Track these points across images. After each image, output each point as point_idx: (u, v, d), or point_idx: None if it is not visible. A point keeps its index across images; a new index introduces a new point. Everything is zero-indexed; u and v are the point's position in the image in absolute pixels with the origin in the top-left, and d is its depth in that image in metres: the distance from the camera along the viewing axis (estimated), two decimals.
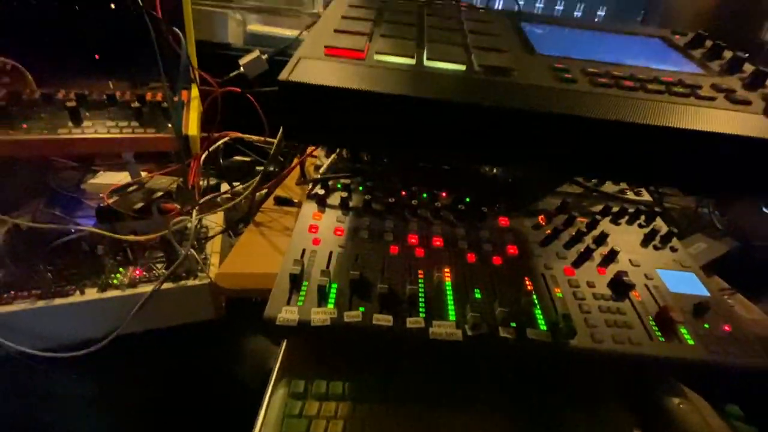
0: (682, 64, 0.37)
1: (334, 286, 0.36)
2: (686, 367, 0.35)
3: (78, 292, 0.46)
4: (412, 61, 0.30)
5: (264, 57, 0.82)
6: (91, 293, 0.46)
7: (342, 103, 0.27)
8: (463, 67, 0.30)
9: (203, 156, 0.68)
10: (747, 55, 0.36)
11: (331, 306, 0.35)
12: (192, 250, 0.50)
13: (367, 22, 0.35)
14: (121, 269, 0.49)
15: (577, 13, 0.59)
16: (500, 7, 0.61)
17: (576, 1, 0.58)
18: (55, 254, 0.49)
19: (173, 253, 0.51)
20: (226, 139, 0.77)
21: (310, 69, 0.28)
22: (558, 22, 0.44)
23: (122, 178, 0.76)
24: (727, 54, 0.39)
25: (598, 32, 0.43)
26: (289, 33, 0.92)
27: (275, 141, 0.54)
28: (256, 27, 0.95)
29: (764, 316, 0.49)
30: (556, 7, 0.58)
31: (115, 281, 0.47)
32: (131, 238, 0.51)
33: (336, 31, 0.33)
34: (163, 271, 0.49)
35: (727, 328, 0.38)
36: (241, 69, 0.82)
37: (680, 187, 0.47)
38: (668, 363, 0.35)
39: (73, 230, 0.53)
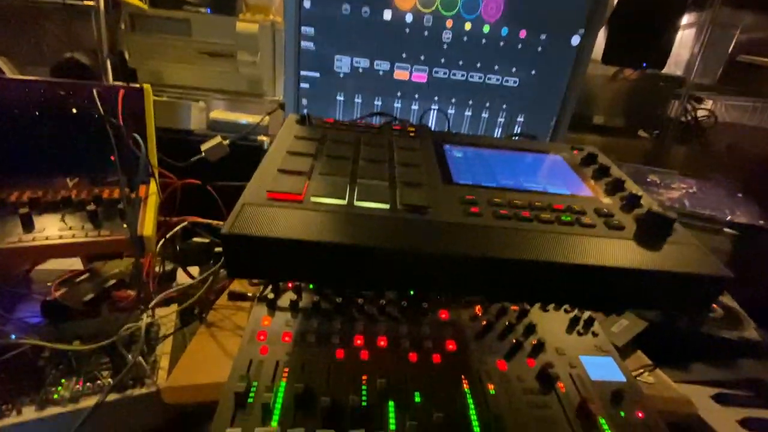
0: (575, 186, 0.45)
1: (279, 400, 0.38)
2: None
3: (15, 412, 0.44)
4: (343, 202, 0.35)
5: (225, 142, 0.87)
6: (29, 412, 0.44)
7: (281, 248, 0.31)
8: (387, 206, 0.35)
9: (160, 243, 0.70)
10: (625, 180, 0.45)
11: (274, 425, 0.36)
12: (140, 357, 0.50)
13: (308, 157, 0.41)
14: (63, 380, 0.48)
15: (500, 120, 0.68)
16: (434, 121, 0.69)
17: (499, 110, 0.68)
18: None
19: (120, 358, 0.51)
20: (184, 224, 0.79)
21: (252, 218, 0.32)
22: (476, 142, 0.52)
23: (73, 261, 0.75)
24: (614, 173, 0.47)
25: (509, 152, 0.51)
26: (251, 119, 0.99)
27: None
28: (218, 114, 1.01)
29: (679, 394, 0.54)
30: (483, 115, 0.67)
31: (55, 396, 0.46)
32: (76, 347, 0.50)
33: (279, 170, 0.38)
34: (109, 380, 0.49)
35: (640, 414, 0.42)
36: (203, 154, 0.86)
37: (573, 305, 0.53)
38: None
39: (12, 342, 0.51)
